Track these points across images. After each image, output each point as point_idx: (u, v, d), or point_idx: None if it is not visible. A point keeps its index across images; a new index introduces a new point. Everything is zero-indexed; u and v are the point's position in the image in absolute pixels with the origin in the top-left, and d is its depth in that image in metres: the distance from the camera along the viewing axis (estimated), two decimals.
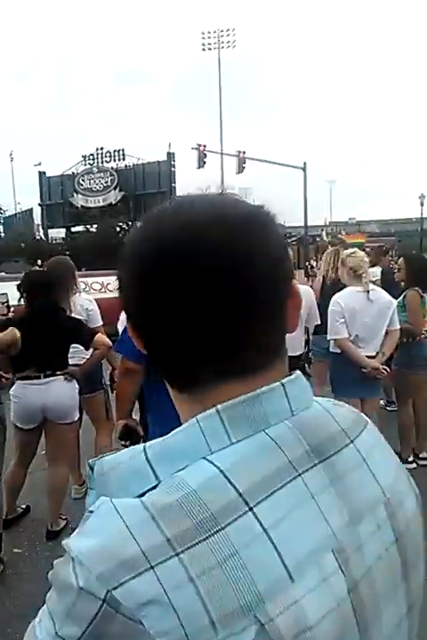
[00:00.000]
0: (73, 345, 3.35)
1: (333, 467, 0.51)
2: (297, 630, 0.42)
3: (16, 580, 2.96)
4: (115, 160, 44.17)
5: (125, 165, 44.27)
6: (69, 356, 3.35)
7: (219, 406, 0.49)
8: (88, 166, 44.68)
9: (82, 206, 44.75)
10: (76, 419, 3.42)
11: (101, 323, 3.75)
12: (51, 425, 3.31)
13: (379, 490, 0.53)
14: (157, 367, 0.54)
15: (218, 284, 0.48)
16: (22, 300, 3.34)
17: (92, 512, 0.47)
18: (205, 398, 0.51)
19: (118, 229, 44.48)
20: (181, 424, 0.52)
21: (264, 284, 0.50)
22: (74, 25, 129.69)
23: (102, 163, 44.24)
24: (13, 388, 3.24)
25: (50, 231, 46.63)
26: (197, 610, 0.40)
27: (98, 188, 44.26)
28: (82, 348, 3.40)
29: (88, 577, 0.42)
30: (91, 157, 44.52)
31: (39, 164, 46.71)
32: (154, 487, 0.46)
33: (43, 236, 45.82)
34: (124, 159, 44.07)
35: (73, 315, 3.48)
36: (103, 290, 9.50)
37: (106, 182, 43.97)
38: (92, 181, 44.53)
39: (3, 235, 46.96)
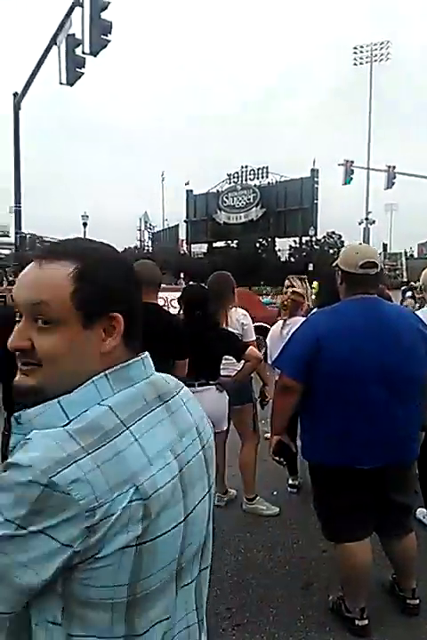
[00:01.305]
0: (225, 356, 3.48)
1: (169, 406, 0.86)
2: (153, 490, 0.75)
3: None
4: (258, 177, 45.16)
5: (268, 182, 45.04)
6: (222, 367, 3.47)
7: (107, 372, 0.80)
8: (232, 184, 46.41)
9: (224, 223, 46.40)
10: (225, 428, 3.51)
11: (255, 337, 3.86)
12: None
13: (192, 420, 0.91)
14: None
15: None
16: (182, 312, 3.57)
17: (28, 440, 0.72)
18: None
19: (258, 245, 45.39)
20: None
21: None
22: (220, 42, 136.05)
23: (246, 180, 45.51)
24: None
25: (193, 246, 49.18)
26: (101, 482, 0.71)
27: (240, 204, 45.59)
28: (234, 359, 3.51)
29: (35, 472, 0.68)
30: (235, 175, 46.15)
31: (187, 183, 49.61)
32: (66, 424, 0.74)
33: (186, 251, 48.53)
34: (267, 176, 44.90)
35: (229, 328, 3.63)
36: (166, 305, 9.35)
37: (248, 199, 45.12)
38: (235, 198, 46.03)
39: (152, 249, 50.61)
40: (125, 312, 0.82)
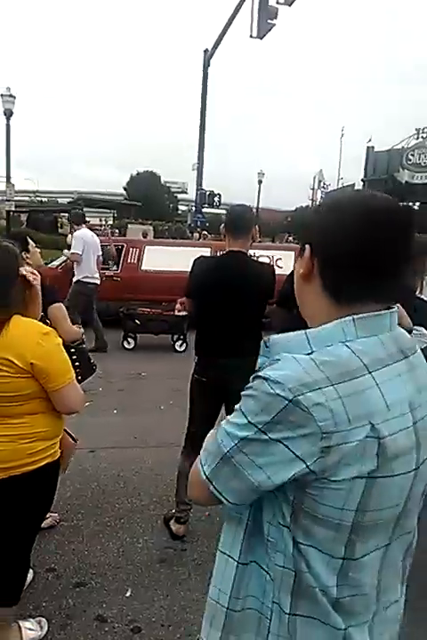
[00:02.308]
0: (416, 328, 3.22)
1: (410, 362, 0.90)
2: (389, 433, 0.80)
3: None
4: None
5: None
6: (412, 336, 3.24)
7: (355, 316, 0.85)
8: (420, 139, 42.21)
9: (406, 182, 42.65)
10: None
11: None
12: None
13: None
14: (334, 286, 0.89)
15: (393, 241, 0.85)
16: None
17: (277, 359, 0.83)
18: (350, 310, 0.87)
19: None
20: None
21: (406, 250, 0.88)
22: None
23: None
24: None
25: None
26: (341, 411, 0.78)
27: None
28: (425, 331, 3.26)
29: (283, 388, 0.78)
30: (425, 130, 41.87)
31: (370, 140, 46.48)
32: (310, 353, 0.83)
33: None
34: None
35: (423, 297, 3.34)
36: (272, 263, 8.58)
37: None
38: (422, 156, 41.66)
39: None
40: (322, 252, 0.90)
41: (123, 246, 8.84)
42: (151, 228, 22.88)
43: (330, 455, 0.78)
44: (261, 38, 11.54)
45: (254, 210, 34.75)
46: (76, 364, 2.37)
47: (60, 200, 45.68)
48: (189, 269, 2.86)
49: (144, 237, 15.56)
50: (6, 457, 1.85)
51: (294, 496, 0.84)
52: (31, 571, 2.42)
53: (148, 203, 40.77)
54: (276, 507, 0.87)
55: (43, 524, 2.56)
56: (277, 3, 10.74)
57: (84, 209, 26.19)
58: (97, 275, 7.12)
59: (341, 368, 0.81)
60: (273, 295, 2.82)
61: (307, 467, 0.79)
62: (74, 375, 1.95)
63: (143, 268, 8.62)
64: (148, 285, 8.20)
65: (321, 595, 0.86)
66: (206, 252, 8.64)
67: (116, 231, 22.84)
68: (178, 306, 3.19)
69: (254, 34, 11.48)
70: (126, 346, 7.42)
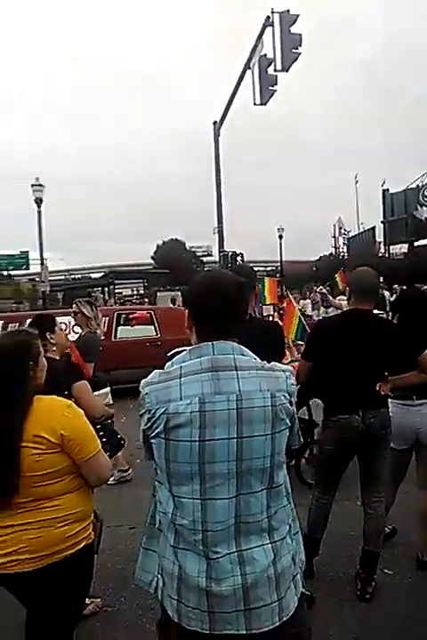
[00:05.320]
0: None
1: (217, 374, 1.42)
2: (174, 412, 1.40)
3: (388, 601, 2.84)
4: None
5: None
6: None
7: (189, 348, 1.49)
8: None
9: (426, 219, 42.66)
10: None
11: None
12: (423, 448, 3.16)
13: (237, 389, 1.41)
14: (192, 330, 1.53)
15: (209, 305, 1.48)
16: (395, 317, 3.31)
17: None
18: (198, 342, 1.50)
19: None
20: None
21: (228, 307, 1.47)
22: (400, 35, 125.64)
23: None
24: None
25: (392, 247, 46.19)
26: (154, 397, 1.43)
27: None
28: None
29: (142, 385, 1.49)
30: None
31: (383, 183, 46.92)
32: (170, 368, 1.50)
33: (385, 253, 45.80)
34: None
35: None
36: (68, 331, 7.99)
37: None
38: None
39: (347, 255, 49.21)
40: (191, 312, 1.53)
41: None
42: (180, 293, 23.30)
43: (151, 423, 1.42)
44: (264, 104, 12.07)
45: (279, 264, 34.78)
46: (104, 440, 2.39)
47: (92, 276, 47.02)
48: None
49: (173, 304, 15.89)
50: (42, 544, 1.82)
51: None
52: None
53: (175, 269, 41.41)
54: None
55: (84, 611, 2.50)
56: (275, 70, 11.30)
57: (116, 281, 26.85)
58: None
59: (166, 375, 1.45)
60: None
61: (144, 430, 1.46)
62: (100, 444, 1.98)
63: None
64: None
65: (164, 515, 1.47)
66: None
67: (146, 300, 23.32)
68: None
69: (258, 101, 12.04)
70: None
